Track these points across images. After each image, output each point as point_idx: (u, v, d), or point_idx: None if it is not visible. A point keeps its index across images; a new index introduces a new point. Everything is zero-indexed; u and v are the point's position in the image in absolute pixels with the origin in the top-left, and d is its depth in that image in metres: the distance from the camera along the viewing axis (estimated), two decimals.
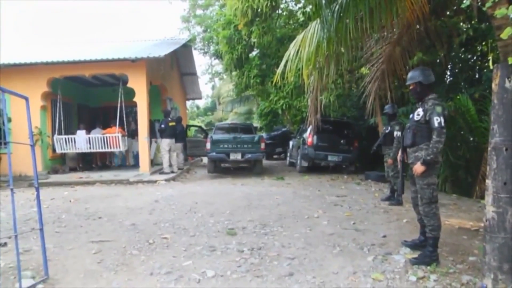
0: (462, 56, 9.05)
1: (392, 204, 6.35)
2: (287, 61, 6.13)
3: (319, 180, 9.95)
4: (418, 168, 3.50)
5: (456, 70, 9.04)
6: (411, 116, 3.77)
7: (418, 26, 7.01)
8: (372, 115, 8.64)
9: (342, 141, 11.22)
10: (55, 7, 50.13)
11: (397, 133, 6.35)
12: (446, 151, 7.10)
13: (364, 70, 9.72)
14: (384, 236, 4.40)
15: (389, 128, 6.72)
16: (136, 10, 57.27)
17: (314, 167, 11.70)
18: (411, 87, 3.71)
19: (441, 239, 3.64)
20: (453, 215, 5.48)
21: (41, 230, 2.85)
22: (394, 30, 6.86)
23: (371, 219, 5.35)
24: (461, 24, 8.21)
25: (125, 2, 54.58)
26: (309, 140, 11.07)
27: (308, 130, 11.11)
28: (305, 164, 11.57)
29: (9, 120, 9.65)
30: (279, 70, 6.31)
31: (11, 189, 2.60)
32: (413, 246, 3.91)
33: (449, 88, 8.66)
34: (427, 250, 3.54)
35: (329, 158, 11.12)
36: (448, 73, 9.25)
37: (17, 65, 10.27)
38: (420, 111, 3.56)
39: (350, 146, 11.21)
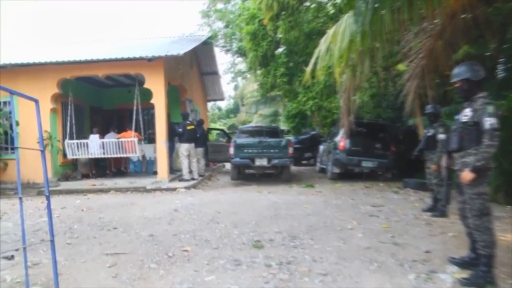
0: None
1: (435, 215, 6.17)
2: (317, 58, 6.11)
3: (352, 188, 9.82)
4: (467, 175, 3.38)
5: (510, 65, 8.71)
6: (457, 117, 3.65)
7: (464, 15, 6.79)
8: (411, 116, 8.46)
9: (377, 145, 11.06)
10: (57, 7, 51.78)
11: (440, 136, 6.19)
12: (498, 157, 6.84)
13: (401, 66, 9.53)
14: (427, 252, 4.27)
15: (431, 130, 6.55)
16: (146, 9, 58.45)
17: (347, 174, 11.56)
18: (457, 85, 3.60)
19: (496, 258, 3.48)
20: (509, 230, 5.26)
21: (52, 241, 2.88)
22: (436, 21, 6.70)
23: (411, 232, 5.21)
24: None
25: (133, 1, 55.66)
26: (341, 144, 10.97)
27: (340, 133, 11.03)
28: (336, 170, 11.46)
29: (17, 123, 9.89)
30: (308, 68, 6.28)
31: (20, 198, 2.65)
32: (461, 263, 3.76)
33: (501, 85, 8.33)
34: (480, 269, 3.39)
35: (363, 164, 10.97)
36: (500, 68, 8.92)
37: (25, 65, 10.54)
38: (468, 111, 3.44)
39: (386, 151, 11.03)
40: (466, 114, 3.45)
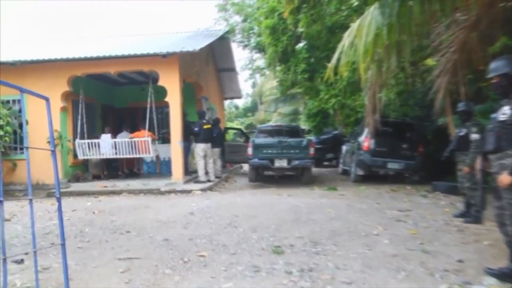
0: None
1: (468, 221, 6.03)
2: (340, 54, 6.05)
3: (377, 191, 9.72)
4: (505, 179, 3.28)
5: None
6: (493, 115, 3.55)
7: (503, 4, 6.60)
8: (441, 115, 8.30)
9: (404, 146, 10.93)
10: (59, 7, 52.49)
11: (473, 136, 6.05)
12: None
13: (430, 61, 9.39)
14: (460, 261, 4.17)
15: (463, 130, 6.41)
16: (159, 3, 58.86)
17: (371, 176, 11.46)
18: (494, 81, 3.50)
19: None
20: None
21: (63, 245, 2.91)
22: (471, 11, 6.53)
23: (442, 239, 5.11)
24: None
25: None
26: (366, 144, 10.88)
27: (364, 132, 10.94)
28: (360, 172, 11.38)
29: (26, 122, 10.06)
30: (331, 64, 6.22)
31: (30, 200, 2.68)
32: (500, 275, 3.63)
33: None
34: None
35: (389, 165, 10.85)
36: None
37: (34, 62, 10.72)
38: (507, 109, 3.34)
39: (414, 152, 10.88)
40: (504, 113, 3.35)
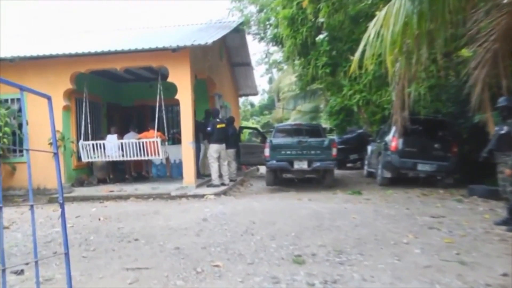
0: None
1: (511, 230, 5.91)
2: (365, 45, 6.01)
3: (406, 195, 9.65)
4: None
5: None
6: None
7: None
8: (478, 111, 8.15)
9: (436, 146, 10.84)
10: (60, 6, 53.18)
11: None
12: None
13: (466, 52, 9.22)
14: (505, 275, 4.06)
15: (505, 128, 6.29)
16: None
17: (400, 179, 11.38)
18: None
19: None
20: None
21: (66, 254, 2.92)
22: None
23: (481, 249, 5.01)
24: None
25: None
26: (393, 144, 10.83)
27: (392, 131, 10.90)
28: (387, 174, 11.33)
29: (26, 123, 10.22)
30: (355, 57, 6.18)
31: (31, 206, 2.70)
32: None
33: None
34: None
35: (419, 167, 10.77)
36: None
37: (34, 58, 10.80)
38: None
39: (447, 152, 10.77)
40: None
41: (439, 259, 4.56)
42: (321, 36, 14.23)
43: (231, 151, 12.11)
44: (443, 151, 10.77)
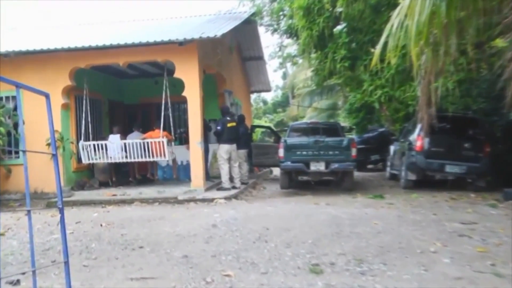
0: None
1: None
2: (387, 37, 5.96)
3: (433, 199, 9.59)
4: None
5: None
6: None
7: None
8: None
9: (466, 145, 10.77)
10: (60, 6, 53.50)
11: None
12: None
13: (500, 42, 9.09)
14: None
15: None
16: None
17: (426, 182, 11.33)
18: None
19: None
20: None
21: (66, 263, 2.93)
22: None
23: None
24: None
25: None
26: (419, 143, 10.80)
27: (417, 130, 10.87)
28: (412, 177, 11.29)
29: (22, 122, 10.25)
30: (377, 50, 6.13)
31: (28, 211, 2.70)
32: None
33: None
34: None
35: (448, 169, 10.69)
36: None
37: (31, 53, 10.83)
38: None
39: (479, 152, 10.68)
40: None
41: (471, 270, 4.50)
42: (339, 27, 14.16)
43: (242, 152, 12.12)
44: (474, 151, 10.67)
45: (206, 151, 11.86)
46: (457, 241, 5.75)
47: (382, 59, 6.61)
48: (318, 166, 10.73)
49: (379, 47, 6.28)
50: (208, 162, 12.30)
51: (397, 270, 4.51)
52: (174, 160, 12.45)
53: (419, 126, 10.52)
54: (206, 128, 11.57)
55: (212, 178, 12.18)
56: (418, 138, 10.83)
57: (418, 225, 6.77)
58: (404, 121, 13.31)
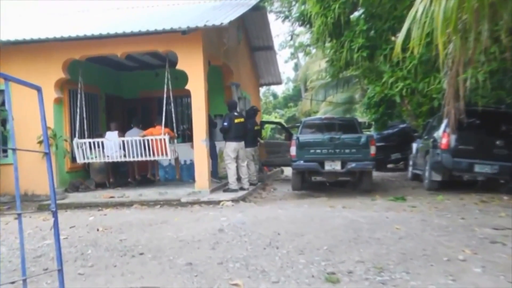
0: None
1: None
2: (411, 24, 5.92)
3: (461, 202, 9.53)
4: None
5: None
6: None
7: None
8: None
9: (498, 143, 10.68)
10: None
11: None
12: None
13: None
14: None
15: None
16: None
17: (452, 183, 11.29)
18: None
19: None
20: None
21: (60, 271, 2.93)
22: None
23: None
24: None
25: None
26: (444, 141, 10.75)
27: (443, 126, 10.83)
28: (437, 177, 11.23)
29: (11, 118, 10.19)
30: (399, 39, 6.09)
31: (19, 215, 2.70)
32: None
33: None
34: None
35: (477, 168, 10.63)
36: None
37: (21, 43, 10.81)
38: None
39: None
40: None
41: (505, 281, 4.46)
42: (356, 14, 14.15)
43: (251, 150, 12.10)
44: (508, 149, 10.59)
45: (213, 149, 11.87)
46: (489, 248, 5.69)
47: (404, 48, 6.56)
48: (333, 166, 10.72)
49: (401, 35, 6.26)
50: (215, 160, 12.30)
51: (422, 280, 4.48)
52: (176, 159, 12.44)
53: (445, 122, 10.47)
54: (211, 125, 11.55)
55: (220, 178, 12.18)
56: (444, 135, 10.77)
57: (445, 230, 6.72)
58: (428, 116, 13.29)
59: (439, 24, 5.43)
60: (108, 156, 11.38)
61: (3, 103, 11.10)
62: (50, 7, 16.08)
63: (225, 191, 10.95)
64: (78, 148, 11.17)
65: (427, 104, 13.08)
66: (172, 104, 11.19)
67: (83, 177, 12.17)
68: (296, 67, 41.32)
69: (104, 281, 4.72)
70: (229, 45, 13.53)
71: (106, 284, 4.63)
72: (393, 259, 5.17)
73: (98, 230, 7.39)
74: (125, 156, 11.29)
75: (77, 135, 11.34)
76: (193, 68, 10.75)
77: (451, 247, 5.69)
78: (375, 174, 13.16)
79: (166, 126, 11.23)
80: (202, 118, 10.88)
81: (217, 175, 12.16)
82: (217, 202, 9.77)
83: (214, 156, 12.16)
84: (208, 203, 9.82)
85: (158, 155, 11.17)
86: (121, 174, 12.73)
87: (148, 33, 10.46)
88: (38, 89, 2.84)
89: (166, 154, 11.04)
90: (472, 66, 9.00)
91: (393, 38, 12.65)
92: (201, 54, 10.79)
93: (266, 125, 19.50)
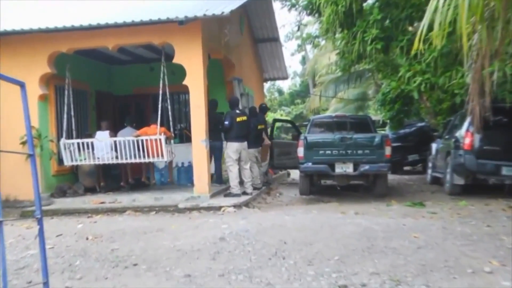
0: None
1: None
2: (433, 13, 5.89)
3: (486, 208, 9.53)
4: None
5: None
6: None
7: None
8: None
9: None
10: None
11: None
12: None
13: None
14: None
15: None
16: None
17: (477, 187, 11.29)
18: None
19: None
20: None
21: (46, 284, 2.91)
22: None
23: None
24: None
25: None
26: (468, 141, 10.75)
27: (466, 124, 10.83)
28: (460, 181, 11.22)
29: None
30: (420, 30, 6.04)
31: (0, 222, 2.68)
32: None
33: None
34: None
35: (505, 171, 10.59)
36: None
37: (2, 34, 10.67)
38: None
39: None
40: None
41: None
42: (370, 2, 14.12)
43: (254, 151, 12.08)
44: None
45: (219, 150, 11.85)
46: None
47: (423, 40, 6.51)
48: (344, 168, 10.73)
49: (423, 26, 6.21)
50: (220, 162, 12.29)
51: None
52: (172, 162, 12.43)
53: (468, 120, 10.48)
54: (219, 123, 11.47)
55: (224, 182, 12.17)
56: (467, 135, 10.77)
57: (468, 239, 6.70)
58: (449, 114, 13.31)
59: (463, 12, 5.39)
60: (98, 158, 11.35)
61: None
62: None
63: (226, 196, 10.92)
64: (65, 149, 11.14)
65: (448, 100, 13.09)
66: (168, 101, 11.21)
67: (71, 181, 12.12)
68: (304, 60, 41.35)
69: None
70: (231, 36, 13.54)
71: None
72: (412, 271, 5.16)
73: (87, 238, 7.39)
74: (117, 157, 11.26)
75: (64, 135, 11.32)
76: (192, 61, 10.72)
77: (476, 258, 5.67)
78: (391, 177, 13.17)
79: (162, 125, 11.18)
80: (201, 116, 10.82)
81: (221, 180, 12.11)
82: (218, 208, 9.76)
83: (219, 158, 12.13)
84: (208, 209, 9.82)
85: (153, 156, 11.14)
86: (112, 178, 12.73)
87: (142, 24, 10.39)
88: (21, 85, 2.82)
89: (162, 155, 11.00)
90: (499, 58, 8.97)
91: (410, 28, 12.61)
92: (200, 47, 10.76)
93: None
